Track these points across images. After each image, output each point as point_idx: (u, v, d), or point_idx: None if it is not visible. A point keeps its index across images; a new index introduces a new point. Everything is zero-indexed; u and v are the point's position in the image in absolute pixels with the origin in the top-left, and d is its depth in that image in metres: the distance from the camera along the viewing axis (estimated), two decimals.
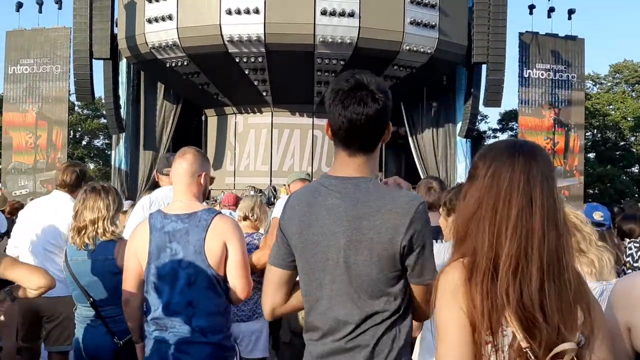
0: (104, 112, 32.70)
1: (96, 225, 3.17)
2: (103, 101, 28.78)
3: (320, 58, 20.71)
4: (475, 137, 29.92)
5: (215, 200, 12.64)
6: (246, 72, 21.53)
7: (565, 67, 25.12)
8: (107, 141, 41.89)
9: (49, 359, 4.00)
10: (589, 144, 37.27)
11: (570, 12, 25.43)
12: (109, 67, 23.07)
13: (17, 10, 25.32)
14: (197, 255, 2.62)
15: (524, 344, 1.33)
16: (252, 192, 16.36)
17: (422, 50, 21.18)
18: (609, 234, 4.28)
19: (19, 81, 24.84)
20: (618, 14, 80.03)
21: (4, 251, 4.23)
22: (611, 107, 39.28)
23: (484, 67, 22.96)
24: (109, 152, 34.97)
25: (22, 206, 5.99)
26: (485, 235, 1.39)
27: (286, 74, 21.05)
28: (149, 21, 21.40)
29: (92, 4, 21.76)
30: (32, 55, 24.80)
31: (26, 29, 25.35)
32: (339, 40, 20.18)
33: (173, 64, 21.89)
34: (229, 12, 20.18)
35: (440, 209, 3.50)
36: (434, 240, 2.79)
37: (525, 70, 24.94)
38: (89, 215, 3.17)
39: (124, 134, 24.48)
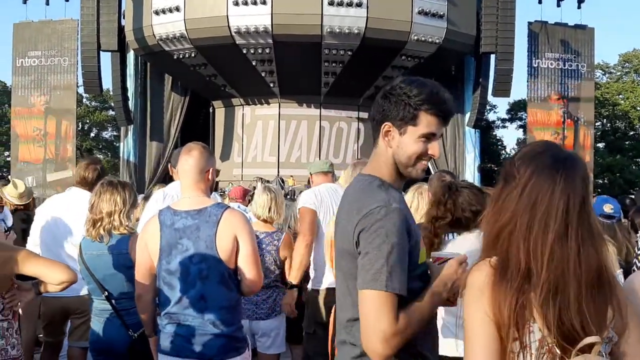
0: (112, 104, 32.82)
1: (112, 218, 3.20)
2: (111, 93, 28.85)
3: (328, 49, 20.66)
4: (483, 127, 29.82)
5: (224, 193, 12.67)
6: (253, 63, 21.51)
7: (574, 57, 24.93)
8: (115, 133, 42.08)
9: (70, 353, 4.05)
10: (598, 133, 37.05)
11: (580, 0, 25.17)
12: (116, 59, 23.13)
13: (24, 2, 25.39)
14: (209, 251, 2.64)
15: (549, 340, 1.35)
16: (259, 184, 16.37)
17: (430, 40, 21.08)
18: (619, 226, 4.27)
19: (27, 73, 24.94)
20: (628, 2, 79.25)
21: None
22: (621, 96, 39.00)
23: (492, 56, 22.82)
24: (117, 144, 35.15)
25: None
26: (520, 254, 1.39)
27: (293, 65, 21.03)
28: (156, 13, 21.40)
29: None
30: (39, 48, 24.88)
31: (33, 21, 25.41)
32: (347, 31, 20.11)
33: (180, 56, 21.91)
34: (236, 4, 20.14)
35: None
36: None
37: (534, 60, 24.77)
38: (106, 207, 3.20)
39: (132, 126, 24.56)
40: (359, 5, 20.03)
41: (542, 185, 1.42)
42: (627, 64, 40.51)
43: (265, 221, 4.06)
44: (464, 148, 25.21)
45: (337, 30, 20.07)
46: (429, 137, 1.78)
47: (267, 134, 24.14)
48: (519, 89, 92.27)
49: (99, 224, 3.22)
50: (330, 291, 3.87)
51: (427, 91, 1.75)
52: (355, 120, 24.27)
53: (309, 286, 4.10)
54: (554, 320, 1.34)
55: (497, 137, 44.19)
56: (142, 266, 2.79)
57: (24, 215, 5.40)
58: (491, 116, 42.62)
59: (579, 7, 25.36)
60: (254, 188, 9.14)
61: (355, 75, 21.50)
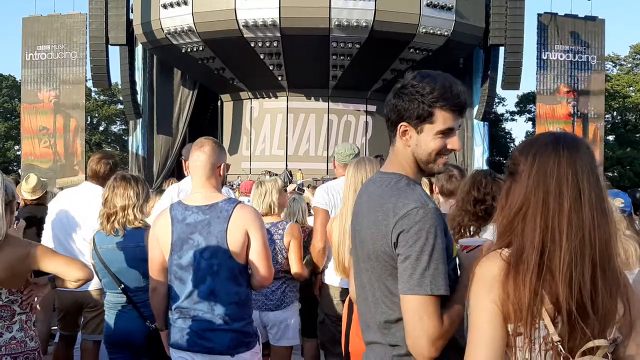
0: (121, 97, 32.89)
1: (126, 212, 3.22)
2: (119, 87, 28.93)
3: (336, 42, 20.60)
4: (492, 120, 29.68)
5: (232, 186, 12.69)
6: (261, 56, 21.50)
7: (584, 49, 24.72)
8: (124, 127, 42.19)
9: (83, 345, 4.08)
10: (609, 126, 36.77)
11: None
12: (125, 53, 23.19)
13: None
14: (220, 246, 2.66)
15: (555, 338, 1.36)
16: (267, 177, 16.39)
17: (438, 32, 20.97)
18: (629, 220, 4.25)
19: (36, 67, 25.05)
20: None
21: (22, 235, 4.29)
22: (631, 88, 38.63)
23: (501, 49, 22.67)
24: (126, 138, 35.25)
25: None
26: (535, 232, 1.40)
27: (301, 58, 20.99)
28: (164, 6, 21.42)
29: None
30: (48, 42, 24.97)
31: (42, 15, 25.50)
32: (355, 24, 20.04)
33: (188, 49, 21.93)
34: None
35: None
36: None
37: (543, 52, 24.58)
38: (120, 201, 3.21)
39: (140, 119, 24.64)
40: None
41: (547, 160, 1.44)
42: (638, 55, 40.08)
43: (265, 214, 4.07)
44: (472, 141, 25.12)
45: (345, 23, 20.00)
46: (447, 132, 1.78)
47: (275, 127, 24.16)
48: (528, 82, 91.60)
49: (113, 218, 3.24)
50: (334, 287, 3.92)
51: (439, 87, 1.74)
52: (363, 113, 24.22)
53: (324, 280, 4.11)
54: (571, 293, 1.34)
55: (506, 130, 44.00)
56: (155, 261, 2.82)
57: (33, 209, 5.38)
58: (500, 109, 42.45)
59: None
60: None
61: (364, 68, 21.44)
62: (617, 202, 4.22)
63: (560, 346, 1.35)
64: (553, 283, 1.36)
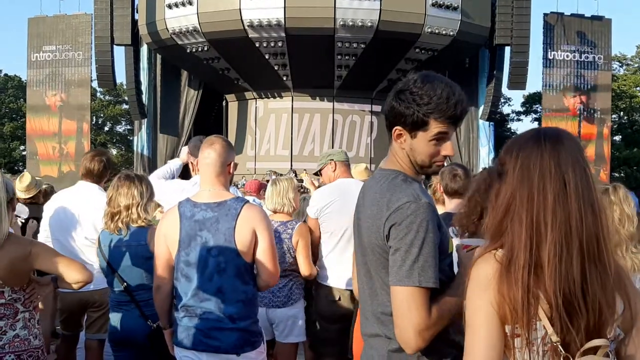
0: (126, 98, 33.00)
1: (130, 211, 3.23)
2: (125, 87, 29.02)
3: (341, 42, 20.58)
4: (498, 120, 29.61)
5: (237, 186, 12.69)
6: (266, 56, 21.50)
7: (591, 48, 24.63)
8: (129, 127, 42.31)
9: (87, 344, 4.07)
10: (615, 126, 36.62)
11: None
12: (130, 53, 23.25)
13: None
14: (227, 244, 2.65)
15: (554, 338, 1.33)
16: (273, 177, 16.39)
17: (444, 32, 20.92)
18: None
19: (41, 67, 25.16)
20: None
21: (35, 237, 4.27)
22: (638, 88, 38.47)
23: (507, 49, 22.60)
24: (131, 138, 35.36)
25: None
26: (522, 228, 1.38)
27: (306, 59, 20.99)
28: (169, 7, 21.46)
29: None
30: (54, 42, 25.09)
31: (48, 15, 25.60)
32: (360, 24, 20.02)
33: (193, 50, 21.96)
34: None
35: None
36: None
37: (549, 52, 24.50)
38: (124, 201, 3.23)
39: (145, 119, 24.70)
40: None
41: (530, 154, 1.42)
42: None
43: (275, 212, 4.07)
44: (477, 141, 25.05)
45: (350, 23, 19.98)
46: (440, 139, 1.81)
47: (280, 127, 24.15)
48: (534, 82, 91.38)
49: (117, 217, 3.25)
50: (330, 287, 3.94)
51: (437, 98, 1.76)
52: (368, 113, 24.19)
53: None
54: (560, 287, 1.31)
55: (512, 130, 43.88)
56: (161, 258, 2.81)
57: (30, 209, 5.33)
58: (505, 109, 42.34)
59: None
60: (268, 182, 9.15)
61: (369, 68, 21.42)
62: None
63: (560, 347, 1.32)
64: (544, 279, 1.34)
